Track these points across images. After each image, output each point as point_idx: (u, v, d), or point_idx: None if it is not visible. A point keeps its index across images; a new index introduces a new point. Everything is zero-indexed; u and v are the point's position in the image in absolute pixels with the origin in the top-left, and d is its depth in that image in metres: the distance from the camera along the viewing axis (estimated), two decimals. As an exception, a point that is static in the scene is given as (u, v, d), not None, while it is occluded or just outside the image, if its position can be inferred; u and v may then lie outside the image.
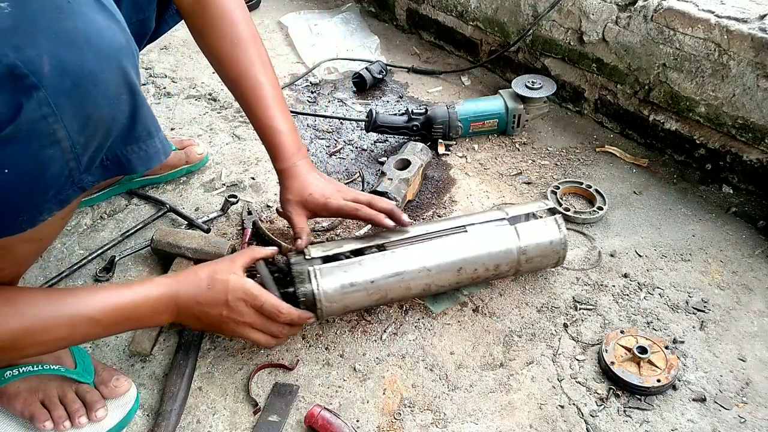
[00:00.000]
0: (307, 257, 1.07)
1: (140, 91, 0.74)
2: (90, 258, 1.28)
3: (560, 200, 1.44)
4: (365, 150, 1.63)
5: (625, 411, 1.03)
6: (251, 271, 1.02)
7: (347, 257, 1.09)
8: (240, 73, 1.10)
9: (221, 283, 0.95)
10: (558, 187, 1.47)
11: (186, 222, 1.37)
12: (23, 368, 0.94)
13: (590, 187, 1.45)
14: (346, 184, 1.51)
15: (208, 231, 1.35)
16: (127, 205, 1.43)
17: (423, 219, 1.40)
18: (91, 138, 0.70)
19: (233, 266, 0.98)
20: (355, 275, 1.06)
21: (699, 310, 1.19)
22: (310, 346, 1.13)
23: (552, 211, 1.21)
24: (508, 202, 1.45)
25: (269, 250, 1.06)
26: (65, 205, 0.74)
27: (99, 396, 0.97)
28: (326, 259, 1.08)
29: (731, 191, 1.46)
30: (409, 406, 1.04)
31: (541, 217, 1.19)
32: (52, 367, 0.96)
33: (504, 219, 1.17)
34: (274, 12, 2.29)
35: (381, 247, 1.11)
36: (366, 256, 1.09)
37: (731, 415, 1.02)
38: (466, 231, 1.14)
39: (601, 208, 1.40)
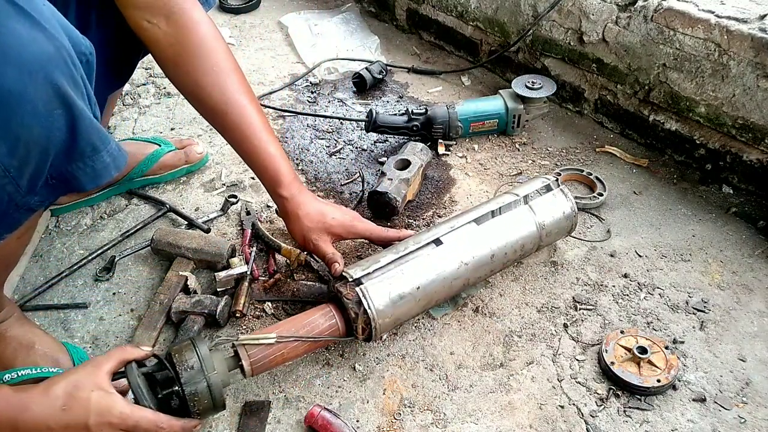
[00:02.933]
0: (350, 279, 1.04)
1: (78, 104, 0.68)
2: (90, 258, 1.28)
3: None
4: (365, 150, 1.63)
5: (625, 411, 1.03)
6: (120, 375, 0.86)
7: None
8: (227, 100, 1.04)
9: (81, 402, 0.77)
10: (559, 174, 1.49)
11: (186, 222, 1.37)
12: (21, 371, 0.93)
13: (590, 174, 1.48)
14: (345, 184, 1.51)
15: (208, 231, 1.35)
16: (127, 205, 1.43)
17: (423, 219, 1.40)
18: (25, 160, 0.65)
19: (97, 376, 0.80)
20: (401, 286, 1.05)
21: (699, 310, 1.19)
22: (310, 346, 1.13)
23: (556, 183, 1.24)
24: (511, 184, 1.49)
25: (142, 352, 0.89)
26: (16, 228, 0.70)
27: None
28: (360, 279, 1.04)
29: (731, 191, 1.46)
30: (409, 406, 1.04)
31: (549, 191, 1.23)
32: (50, 370, 0.95)
33: (518, 200, 1.20)
34: (274, 12, 2.29)
35: (414, 253, 1.10)
36: (406, 264, 1.07)
37: (731, 415, 1.02)
38: (486, 221, 1.16)
39: (601, 194, 1.42)
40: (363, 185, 1.49)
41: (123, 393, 0.84)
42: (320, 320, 1.02)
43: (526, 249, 1.20)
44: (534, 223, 1.19)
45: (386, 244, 1.18)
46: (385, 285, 1.04)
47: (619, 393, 1.05)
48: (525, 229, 1.18)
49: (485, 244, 1.14)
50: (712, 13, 1.35)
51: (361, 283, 1.03)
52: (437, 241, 1.11)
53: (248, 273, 1.21)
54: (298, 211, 1.11)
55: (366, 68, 1.86)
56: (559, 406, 1.04)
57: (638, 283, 1.25)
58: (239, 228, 1.38)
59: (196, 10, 1.03)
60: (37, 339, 1.01)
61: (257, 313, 1.19)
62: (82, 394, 0.77)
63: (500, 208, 1.18)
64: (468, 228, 1.14)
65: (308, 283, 1.24)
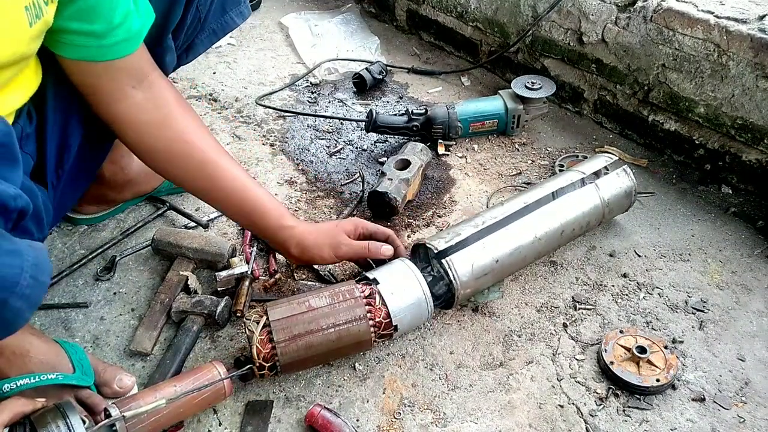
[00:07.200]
0: (435, 251, 1.09)
1: None
2: (90, 257, 1.28)
3: None
4: (365, 150, 1.63)
5: (624, 411, 1.03)
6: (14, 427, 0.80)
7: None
8: (218, 148, 1.08)
9: None
10: (562, 165, 1.52)
11: (185, 218, 1.37)
12: (20, 381, 0.90)
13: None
14: (345, 184, 1.51)
15: (206, 226, 1.35)
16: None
17: (423, 219, 1.41)
18: None
19: None
20: (481, 258, 1.11)
21: (698, 310, 1.19)
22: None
23: (619, 162, 1.32)
24: (573, 161, 1.50)
25: (39, 402, 0.83)
26: None
27: (101, 399, 0.96)
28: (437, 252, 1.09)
29: (730, 191, 1.47)
30: (409, 406, 1.04)
31: (611, 169, 1.30)
32: (49, 377, 0.93)
33: (585, 178, 1.26)
34: (275, 12, 2.29)
35: (492, 227, 1.15)
36: (486, 237, 1.13)
37: (730, 415, 1.02)
38: (556, 197, 1.22)
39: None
40: (363, 185, 1.50)
41: None
42: (202, 379, 0.96)
43: (591, 225, 1.27)
44: (599, 200, 1.25)
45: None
46: (468, 257, 1.10)
47: (619, 392, 1.05)
48: (591, 206, 1.24)
49: (557, 220, 1.20)
50: (712, 13, 1.36)
51: (447, 255, 1.09)
52: (514, 215, 1.17)
53: (249, 273, 1.21)
54: (313, 227, 1.13)
55: (366, 68, 1.86)
56: (559, 405, 1.04)
57: (637, 283, 1.25)
58: (239, 228, 1.38)
59: (159, 72, 1.05)
60: (32, 346, 0.98)
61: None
62: None
63: (568, 185, 1.24)
64: (538, 205, 1.20)
65: (308, 283, 1.24)
